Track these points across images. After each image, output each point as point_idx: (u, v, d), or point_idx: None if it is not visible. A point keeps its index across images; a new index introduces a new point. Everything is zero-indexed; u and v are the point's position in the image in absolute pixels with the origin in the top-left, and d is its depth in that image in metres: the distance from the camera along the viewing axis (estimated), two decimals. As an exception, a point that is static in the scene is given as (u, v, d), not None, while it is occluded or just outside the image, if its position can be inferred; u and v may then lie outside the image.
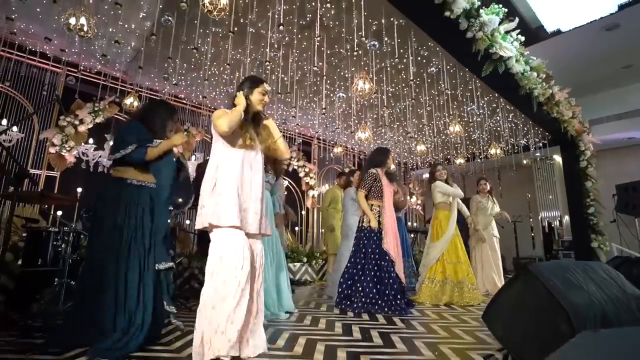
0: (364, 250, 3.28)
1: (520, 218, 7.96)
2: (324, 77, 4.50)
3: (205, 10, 2.78)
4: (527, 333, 1.77)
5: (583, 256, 6.79)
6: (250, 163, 1.91)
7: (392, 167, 3.78)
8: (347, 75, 4.77)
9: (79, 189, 4.49)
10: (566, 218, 8.07)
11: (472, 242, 4.80)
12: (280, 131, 2.11)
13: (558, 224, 8.39)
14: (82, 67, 4.88)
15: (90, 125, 4.84)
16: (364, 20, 3.28)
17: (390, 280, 3.12)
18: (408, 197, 4.68)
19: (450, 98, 5.63)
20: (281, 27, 2.92)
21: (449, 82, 5.12)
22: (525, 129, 7.05)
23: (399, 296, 3.10)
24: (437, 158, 8.86)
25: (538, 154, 8.08)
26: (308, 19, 3.86)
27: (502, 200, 9.73)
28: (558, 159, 8.44)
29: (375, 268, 3.18)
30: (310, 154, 7.87)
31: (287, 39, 3.98)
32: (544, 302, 1.72)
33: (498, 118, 6.20)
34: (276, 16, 3.64)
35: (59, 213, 4.27)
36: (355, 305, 3.11)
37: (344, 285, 3.29)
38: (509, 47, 4.04)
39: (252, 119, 1.98)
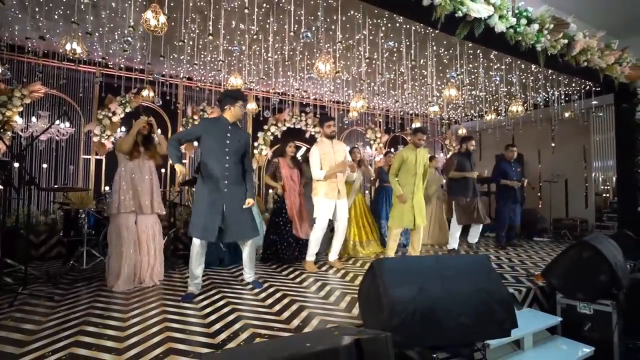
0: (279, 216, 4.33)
1: (557, 178, 7.17)
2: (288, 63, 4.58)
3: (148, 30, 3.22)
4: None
5: (626, 222, 5.97)
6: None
7: (299, 153, 4.66)
8: (323, 50, 4.78)
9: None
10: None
11: None
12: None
13: (615, 183, 7.32)
14: (110, 65, 5.81)
15: (122, 115, 5.85)
16: None
17: (290, 239, 4.21)
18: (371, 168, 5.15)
19: (449, 57, 5.18)
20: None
21: (440, 42, 4.75)
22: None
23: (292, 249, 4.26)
24: (471, 113, 8.21)
25: (595, 102, 6.95)
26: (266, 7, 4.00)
27: (553, 155, 8.75)
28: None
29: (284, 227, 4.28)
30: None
31: (256, 28, 4.16)
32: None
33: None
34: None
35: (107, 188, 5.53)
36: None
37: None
38: (481, 8, 3.60)
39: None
